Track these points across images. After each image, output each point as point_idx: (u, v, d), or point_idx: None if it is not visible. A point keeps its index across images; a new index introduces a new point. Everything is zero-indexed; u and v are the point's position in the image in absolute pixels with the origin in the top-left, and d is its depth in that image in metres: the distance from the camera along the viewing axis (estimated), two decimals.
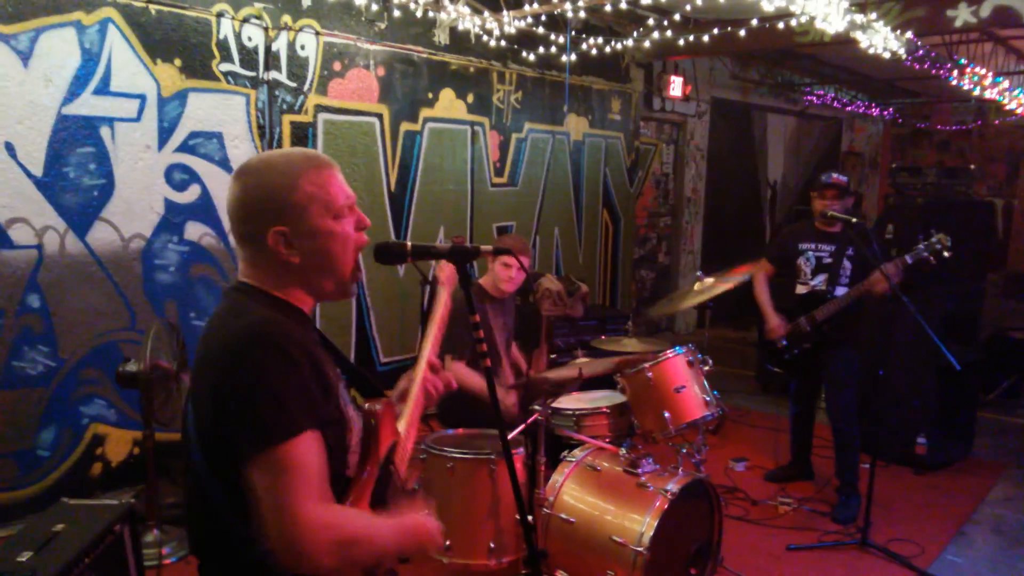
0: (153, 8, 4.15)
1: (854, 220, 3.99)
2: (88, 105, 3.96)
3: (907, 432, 4.90)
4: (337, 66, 5.09)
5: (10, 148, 3.71)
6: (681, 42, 6.41)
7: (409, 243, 1.75)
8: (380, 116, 5.41)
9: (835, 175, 4.20)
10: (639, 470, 3.09)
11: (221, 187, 4.46)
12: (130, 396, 4.08)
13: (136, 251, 4.21)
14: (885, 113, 12.10)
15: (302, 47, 4.88)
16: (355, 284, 1.61)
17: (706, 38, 6.25)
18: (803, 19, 5.61)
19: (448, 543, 3.07)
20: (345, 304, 5.33)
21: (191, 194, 4.41)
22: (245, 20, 4.56)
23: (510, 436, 3.13)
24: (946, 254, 3.89)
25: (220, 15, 4.44)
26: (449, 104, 5.88)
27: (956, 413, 5.10)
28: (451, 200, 6.02)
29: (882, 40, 5.68)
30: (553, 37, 6.12)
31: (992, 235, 10.17)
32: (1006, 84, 8.15)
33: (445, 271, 2.21)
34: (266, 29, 4.67)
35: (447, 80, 5.82)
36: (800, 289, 4.34)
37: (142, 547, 2.82)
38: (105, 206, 4.07)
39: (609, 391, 3.99)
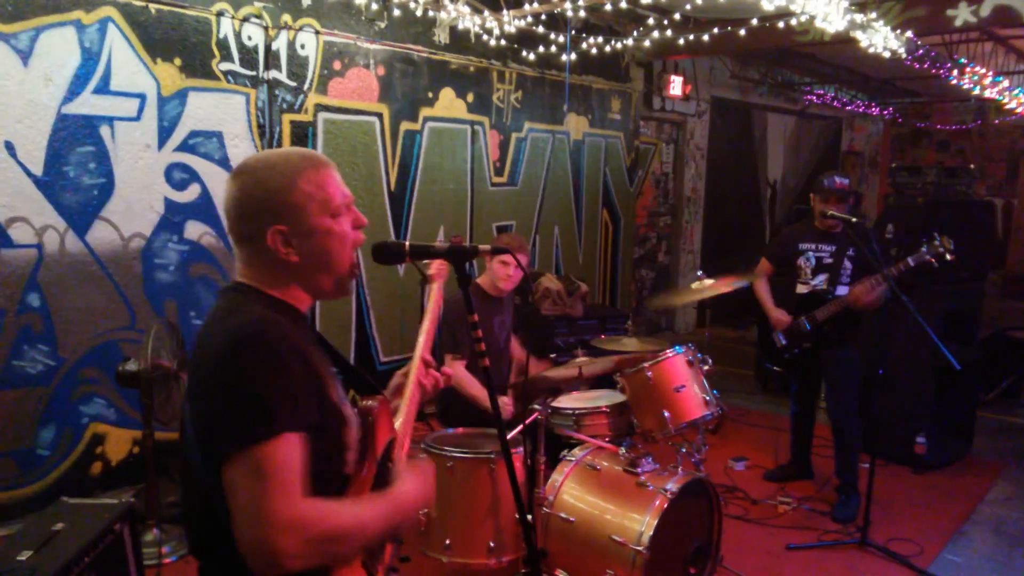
0: (153, 7, 4.15)
1: (854, 220, 3.99)
2: (88, 104, 3.96)
3: (907, 431, 4.90)
4: (337, 65, 5.09)
5: (10, 147, 3.71)
6: (681, 41, 6.41)
7: (407, 243, 1.75)
8: (380, 115, 5.41)
9: (838, 179, 4.19)
10: (639, 469, 3.10)
11: (221, 186, 4.41)
12: (130, 395, 4.08)
13: (136, 250, 4.21)
14: (885, 112, 12.10)
15: (302, 46, 4.88)
16: (353, 281, 1.61)
17: (706, 37, 6.26)
18: (803, 18, 5.61)
19: (448, 542, 3.07)
20: (345, 303, 5.33)
21: (191, 193, 4.41)
22: (245, 19, 4.56)
23: (509, 436, 3.13)
24: (948, 257, 3.89)
25: (220, 14, 4.44)
26: (449, 103, 5.88)
27: (956, 412, 5.11)
28: (451, 199, 6.02)
29: (882, 39, 5.69)
30: (553, 36, 6.12)
31: (992, 235, 10.17)
32: (1006, 83, 8.16)
33: (435, 266, 2.22)
34: (266, 28, 4.67)
35: (447, 79, 5.82)
36: (801, 289, 4.34)
37: (142, 546, 2.82)
38: (105, 205, 4.07)
39: (609, 390, 3.99)
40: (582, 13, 6.16)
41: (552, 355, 5.43)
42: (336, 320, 5.30)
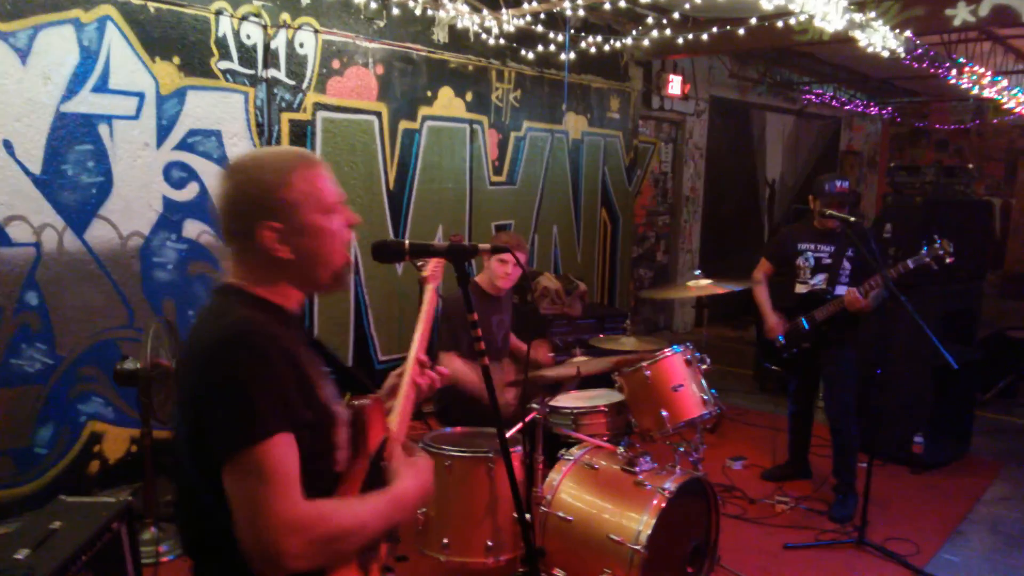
0: (152, 6, 4.15)
1: (852, 219, 3.99)
2: (86, 103, 3.95)
3: (904, 431, 4.91)
4: (336, 64, 5.09)
5: (8, 146, 3.71)
6: (680, 41, 6.41)
7: (407, 241, 1.75)
8: (379, 114, 5.41)
9: (839, 183, 4.19)
10: (637, 468, 3.10)
11: None
12: (127, 394, 4.08)
13: (134, 249, 4.21)
14: (884, 112, 12.11)
15: (301, 45, 4.87)
16: (350, 275, 1.61)
17: (705, 37, 6.26)
18: (802, 18, 5.61)
19: (446, 541, 3.07)
20: (343, 303, 5.33)
21: (189, 192, 4.40)
22: (244, 18, 4.56)
23: (508, 434, 3.13)
24: (948, 260, 3.90)
25: (219, 13, 4.44)
26: (448, 102, 5.87)
27: (953, 412, 5.11)
28: (450, 198, 6.02)
29: (881, 39, 5.69)
30: (552, 35, 6.11)
31: (990, 234, 10.19)
32: (1004, 83, 8.16)
33: (430, 267, 2.22)
34: (265, 27, 4.66)
35: (446, 78, 5.82)
36: (800, 289, 4.34)
37: (139, 545, 2.82)
38: (103, 204, 4.07)
39: (607, 389, 3.99)
40: (581, 12, 6.16)
41: (550, 354, 5.44)
42: (334, 319, 5.29)
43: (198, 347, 1.44)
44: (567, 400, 3.82)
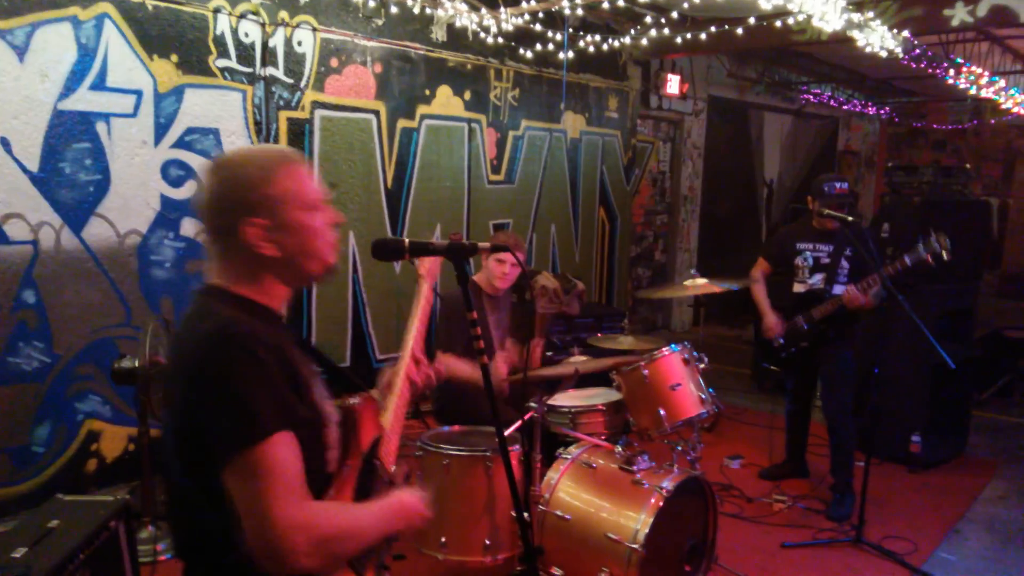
0: (150, 3, 4.14)
1: (850, 219, 3.99)
2: (84, 100, 3.95)
3: (902, 430, 4.92)
4: (334, 62, 5.08)
5: (5, 143, 3.70)
6: (678, 40, 6.41)
7: (407, 240, 1.75)
8: (377, 113, 5.41)
9: (838, 185, 4.19)
10: (634, 467, 3.10)
11: None
12: (125, 392, 4.07)
13: (132, 247, 4.21)
14: (881, 112, 12.12)
15: (299, 43, 4.87)
16: (336, 265, 1.60)
17: (703, 36, 6.26)
18: (800, 17, 5.61)
19: (444, 539, 3.07)
20: (341, 301, 5.33)
21: (187, 190, 4.39)
22: (242, 16, 4.55)
23: (506, 433, 3.13)
24: (945, 256, 3.89)
25: (217, 11, 4.43)
26: (446, 101, 5.87)
27: (951, 411, 5.12)
28: (448, 197, 6.02)
29: (879, 39, 5.69)
30: (550, 34, 6.11)
31: (988, 234, 10.21)
32: (1002, 83, 8.18)
33: (426, 265, 2.21)
34: (263, 25, 4.66)
35: (444, 77, 5.82)
36: (798, 288, 4.35)
37: (137, 543, 2.82)
38: (101, 202, 4.06)
39: (605, 388, 4.00)
40: (579, 11, 6.16)
41: (548, 353, 5.44)
42: (333, 318, 5.29)
43: (185, 350, 1.43)
44: (565, 399, 3.82)
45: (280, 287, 1.54)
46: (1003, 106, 8.98)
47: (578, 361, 3.69)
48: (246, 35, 4.58)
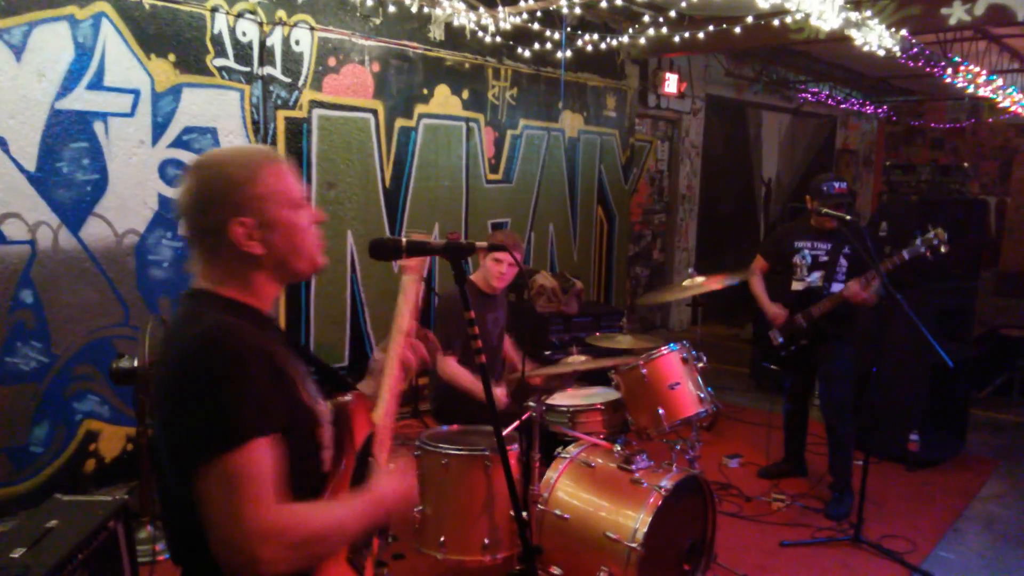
0: (147, 2, 4.14)
1: (848, 218, 3.99)
2: (81, 100, 3.94)
3: (900, 429, 4.92)
4: (332, 61, 5.08)
5: (3, 143, 3.69)
6: (676, 39, 6.41)
7: (404, 239, 1.74)
8: (375, 112, 5.40)
9: (836, 185, 4.19)
10: (633, 466, 3.10)
11: None
12: (124, 392, 4.07)
13: (130, 247, 4.20)
14: (879, 111, 12.12)
15: (297, 42, 4.86)
16: (323, 258, 1.60)
17: (701, 35, 6.26)
18: (798, 16, 5.62)
19: (443, 539, 3.07)
20: (340, 300, 5.33)
21: None
22: (240, 15, 4.54)
23: (504, 432, 3.13)
24: (943, 249, 3.89)
25: (215, 10, 4.42)
26: (444, 100, 5.87)
27: (949, 410, 5.13)
28: (446, 196, 6.02)
29: (877, 38, 5.70)
30: (548, 33, 6.11)
31: (985, 233, 10.22)
32: (1000, 82, 8.18)
33: (412, 260, 2.19)
34: (260, 24, 4.65)
35: (442, 76, 5.81)
36: (796, 286, 4.35)
37: (136, 543, 2.81)
38: (99, 201, 4.06)
39: (603, 387, 4.00)
40: (577, 10, 6.15)
41: (547, 352, 5.44)
42: (331, 317, 5.29)
43: (170, 354, 1.41)
44: (564, 398, 3.82)
45: (267, 287, 1.53)
46: (1001, 105, 8.99)
47: (576, 361, 3.69)
48: (243, 34, 4.58)
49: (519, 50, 6.20)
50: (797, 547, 3.84)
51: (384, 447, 1.75)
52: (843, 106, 11.49)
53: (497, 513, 3.08)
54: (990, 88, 8.12)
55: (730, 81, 9.40)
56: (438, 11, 5.52)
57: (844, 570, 3.66)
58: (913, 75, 9.07)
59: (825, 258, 4.27)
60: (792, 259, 4.35)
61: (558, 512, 3.07)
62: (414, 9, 5.32)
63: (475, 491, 3.08)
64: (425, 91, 5.71)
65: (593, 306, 6.77)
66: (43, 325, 3.89)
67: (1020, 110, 9.26)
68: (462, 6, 5.41)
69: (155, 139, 4.25)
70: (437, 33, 5.71)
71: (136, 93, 4.15)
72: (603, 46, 6.34)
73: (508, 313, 4.26)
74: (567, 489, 3.13)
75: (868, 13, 5.54)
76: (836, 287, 4.20)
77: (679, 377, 3.53)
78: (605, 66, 7.31)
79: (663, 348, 3.58)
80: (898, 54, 6.23)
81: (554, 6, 5.57)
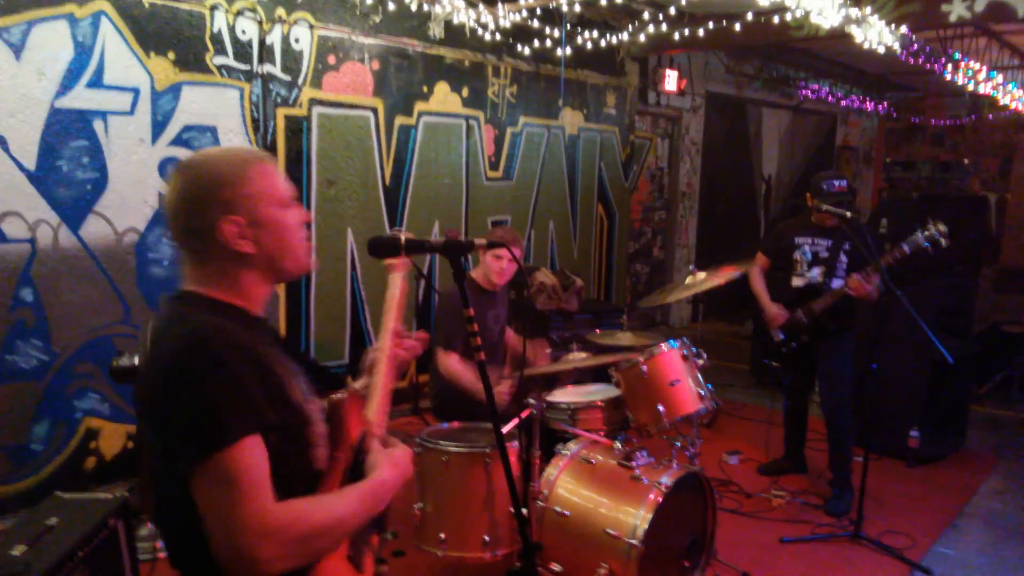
0: (146, 1, 4.14)
1: (848, 214, 3.99)
2: (81, 98, 3.94)
3: (900, 425, 4.92)
4: (331, 59, 5.08)
5: (2, 141, 3.70)
6: (676, 36, 6.40)
7: (403, 237, 1.74)
8: (375, 110, 5.40)
9: (836, 183, 4.19)
10: (633, 463, 3.10)
11: None
12: (124, 390, 4.08)
13: (130, 245, 4.20)
14: (879, 108, 12.11)
15: (296, 40, 4.86)
16: (310, 259, 1.60)
17: (701, 32, 6.25)
18: (798, 13, 5.60)
19: (443, 536, 3.08)
20: (340, 298, 5.33)
21: None
22: (239, 13, 4.54)
23: (504, 430, 3.13)
24: (944, 242, 3.88)
25: (214, 8, 4.42)
26: (444, 98, 5.87)
27: (949, 406, 5.13)
28: (446, 194, 6.02)
29: (877, 35, 5.69)
30: (548, 31, 6.11)
31: (986, 229, 10.20)
32: (1000, 79, 8.17)
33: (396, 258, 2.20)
34: (260, 22, 4.65)
35: (442, 74, 5.81)
36: (796, 282, 4.35)
37: (136, 540, 2.82)
38: (99, 200, 4.06)
39: (604, 384, 4.00)
40: (577, 7, 6.15)
41: (547, 350, 5.44)
42: (331, 314, 5.29)
43: (155, 356, 1.41)
44: (564, 395, 3.82)
45: (256, 288, 1.52)
46: (1001, 101, 8.96)
47: (576, 358, 3.69)
48: (243, 32, 4.58)
49: (519, 47, 6.19)
50: (797, 543, 3.85)
51: (376, 443, 1.75)
52: (843, 103, 11.47)
53: (497, 510, 3.08)
54: (990, 85, 8.10)
55: (730, 78, 9.39)
56: (438, 8, 5.51)
57: (844, 566, 3.66)
58: (913, 72, 9.05)
59: (825, 254, 4.27)
60: (792, 255, 4.35)
61: (558, 509, 3.07)
62: (414, 7, 5.31)
63: (475, 488, 3.08)
64: (425, 89, 5.71)
65: (593, 303, 6.77)
66: (43, 323, 3.89)
67: (1020, 107, 9.25)
68: (461, 3, 5.41)
69: (155, 137, 4.25)
70: (437, 31, 5.70)
71: (136, 91, 4.15)
72: (603, 43, 6.33)
73: (509, 310, 4.27)
74: (567, 486, 3.13)
75: (868, 10, 5.54)
76: (836, 283, 4.20)
77: (679, 374, 3.53)
78: (605, 63, 7.30)
79: (663, 345, 3.58)
80: (898, 51, 6.22)
81: (554, 3, 5.57)
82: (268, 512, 1.32)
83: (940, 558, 3.77)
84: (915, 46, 6.49)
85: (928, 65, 7.23)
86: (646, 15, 6.07)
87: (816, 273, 4.29)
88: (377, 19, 5.31)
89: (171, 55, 4.26)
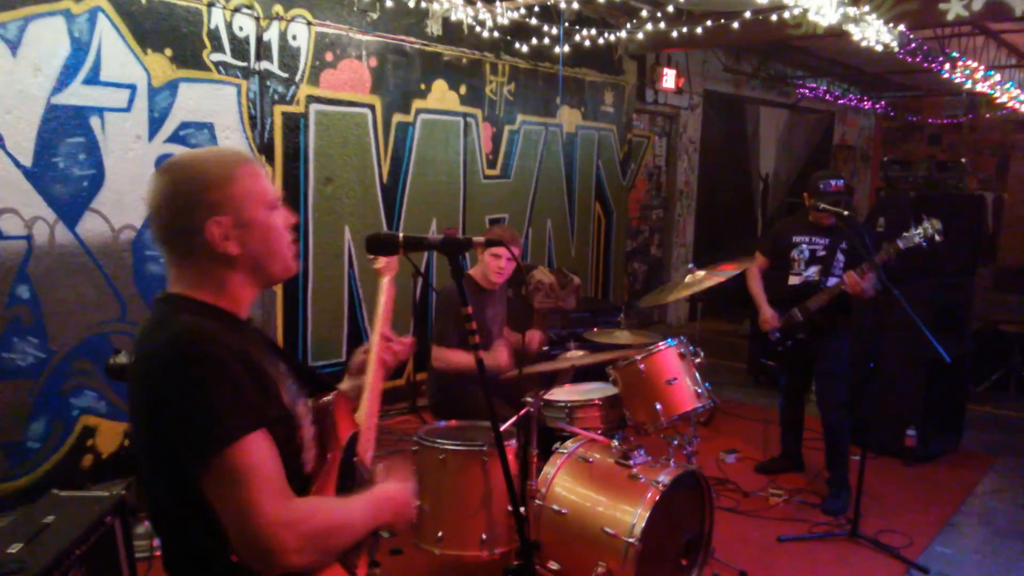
0: None
1: (845, 213, 3.99)
2: (78, 95, 3.93)
3: (897, 424, 4.93)
4: (329, 56, 5.06)
5: None
6: (674, 34, 6.40)
7: (401, 234, 1.74)
8: (372, 107, 5.39)
9: (833, 182, 4.19)
10: (631, 461, 3.10)
11: None
12: (120, 388, 4.06)
13: (127, 242, 4.19)
14: (877, 106, 12.12)
15: (294, 37, 4.85)
16: (297, 262, 1.60)
17: (699, 30, 6.25)
18: (796, 12, 5.62)
19: (440, 534, 3.07)
20: (337, 297, 5.32)
21: None
22: (236, 10, 4.53)
23: (502, 428, 3.13)
24: (938, 238, 3.88)
25: (211, 4, 4.41)
26: (442, 95, 5.86)
27: (946, 405, 5.13)
28: (444, 192, 6.01)
29: (875, 33, 5.69)
30: (546, 28, 6.10)
31: (983, 228, 10.22)
32: (997, 78, 8.18)
33: (383, 260, 2.22)
34: (257, 19, 4.64)
35: (440, 71, 5.80)
36: (793, 280, 4.35)
37: (133, 538, 2.81)
38: (95, 197, 4.05)
39: (601, 383, 3.99)
40: (575, 5, 6.14)
41: (545, 348, 5.43)
42: (329, 313, 5.28)
43: (144, 360, 1.39)
44: (561, 393, 3.82)
45: (242, 290, 1.51)
46: (998, 100, 8.98)
47: (574, 356, 3.69)
48: (240, 29, 4.57)
49: (517, 45, 6.18)
50: (794, 542, 3.85)
51: (368, 446, 1.75)
52: (841, 102, 11.48)
53: (495, 508, 3.08)
54: (988, 84, 8.11)
55: (728, 76, 9.39)
56: (435, 6, 5.50)
57: (841, 565, 3.66)
58: (911, 71, 9.06)
59: (822, 253, 4.28)
60: (790, 254, 4.36)
61: (556, 507, 3.07)
62: (411, 4, 5.30)
63: (473, 486, 3.08)
64: (422, 86, 5.70)
65: (591, 302, 6.78)
66: (40, 321, 3.88)
67: (1018, 106, 9.26)
68: (459, 1, 5.40)
69: (152, 134, 4.24)
70: (434, 28, 5.69)
71: (132, 88, 4.14)
72: (601, 41, 6.33)
73: (508, 308, 4.26)
74: (565, 484, 3.13)
75: (866, 8, 5.54)
76: (832, 282, 4.21)
77: (676, 372, 3.53)
78: (603, 61, 7.30)
79: (660, 343, 3.58)
80: (896, 49, 6.23)
81: (551, 1, 5.56)
82: (286, 503, 1.32)
83: (937, 556, 3.77)
84: (913, 45, 6.50)
85: (926, 64, 7.24)
86: (644, 13, 6.07)
87: (813, 271, 4.29)
88: (375, 16, 5.30)
89: (168, 52, 4.25)
